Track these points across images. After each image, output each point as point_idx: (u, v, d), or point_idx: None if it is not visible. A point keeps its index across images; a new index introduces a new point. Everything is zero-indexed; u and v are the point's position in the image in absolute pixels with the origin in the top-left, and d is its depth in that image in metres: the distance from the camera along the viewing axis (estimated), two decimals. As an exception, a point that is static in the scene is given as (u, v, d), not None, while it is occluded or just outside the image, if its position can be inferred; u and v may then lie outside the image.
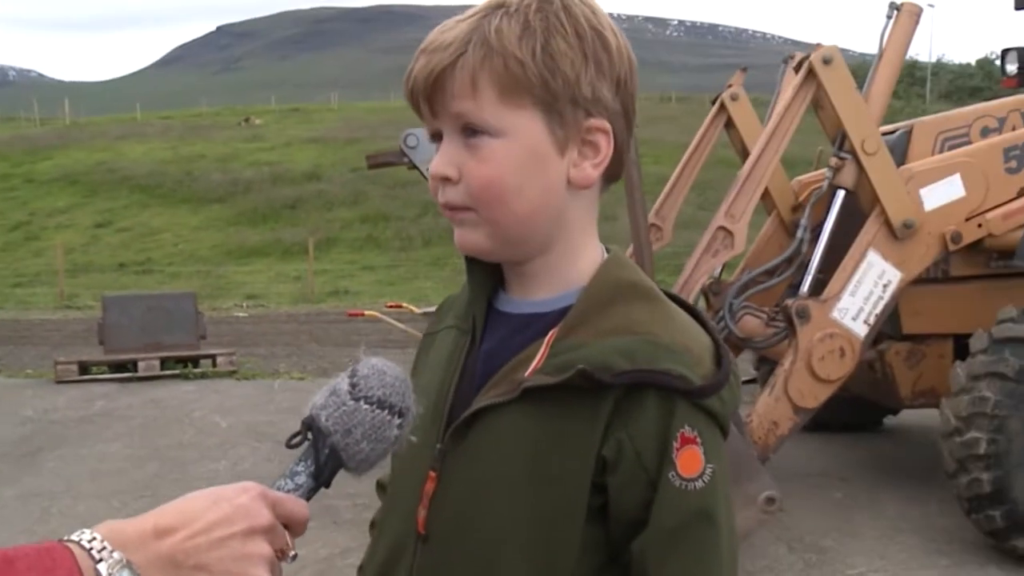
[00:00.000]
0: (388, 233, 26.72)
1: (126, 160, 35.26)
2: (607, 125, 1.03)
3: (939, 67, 55.85)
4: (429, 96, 1.01)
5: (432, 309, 9.05)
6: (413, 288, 20.62)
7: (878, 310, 4.80)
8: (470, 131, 1.00)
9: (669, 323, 1.01)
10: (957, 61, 58.67)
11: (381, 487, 1.30)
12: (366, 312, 9.44)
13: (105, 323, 9.85)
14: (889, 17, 5.11)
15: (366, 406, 0.97)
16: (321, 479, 0.98)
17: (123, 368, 9.68)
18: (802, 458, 6.11)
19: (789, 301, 4.80)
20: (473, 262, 1.12)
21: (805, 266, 5.17)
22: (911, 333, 5.37)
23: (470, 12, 1.02)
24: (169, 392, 8.88)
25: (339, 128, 41.13)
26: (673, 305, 1.05)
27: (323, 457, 0.97)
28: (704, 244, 5.01)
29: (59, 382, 9.38)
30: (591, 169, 1.03)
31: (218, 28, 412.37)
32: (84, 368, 9.68)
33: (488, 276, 1.12)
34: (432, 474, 1.06)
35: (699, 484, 0.96)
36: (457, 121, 1.00)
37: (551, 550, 0.99)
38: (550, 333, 1.02)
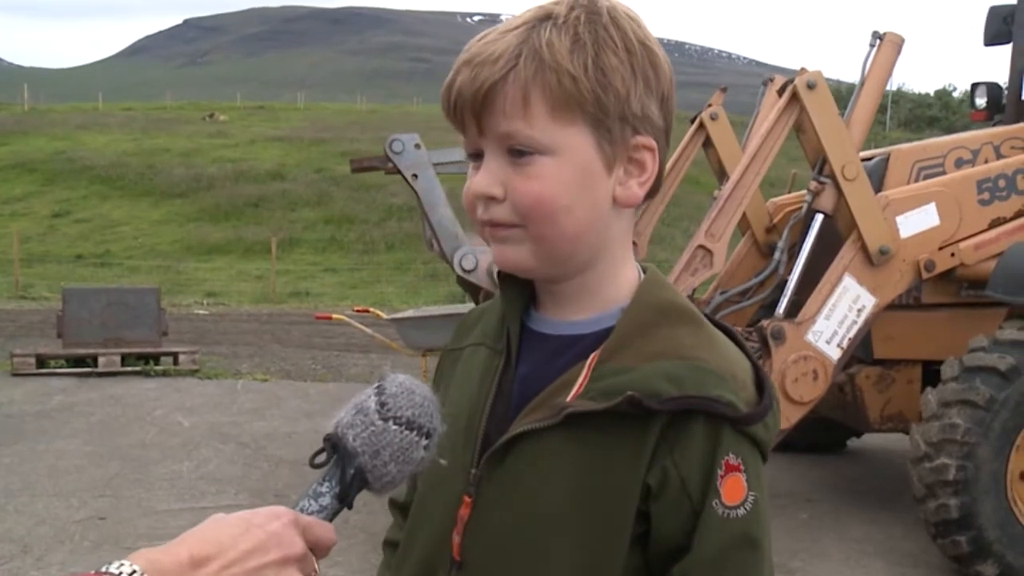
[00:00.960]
0: (352, 236, 26.58)
1: (86, 150, 34.71)
2: (653, 143, 1.01)
3: (899, 95, 56.82)
4: (478, 112, 0.97)
5: (403, 315, 9.03)
6: (375, 292, 20.52)
7: (851, 334, 4.85)
8: (518, 151, 0.97)
9: (715, 348, 1.00)
10: (917, 91, 59.63)
11: (396, 506, 1.27)
12: (334, 316, 9.38)
13: (65, 316, 9.67)
14: (872, 46, 5.18)
15: (395, 427, 0.94)
16: (346, 501, 0.95)
17: (82, 363, 9.52)
18: (767, 478, 6.14)
19: (765, 322, 4.83)
20: (506, 280, 1.10)
21: (781, 287, 5.22)
22: (882, 358, 5.44)
23: (514, 23, 0.99)
24: (129, 389, 8.74)
25: (305, 128, 40.86)
26: (715, 329, 1.04)
27: (349, 478, 0.94)
28: (683, 262, 5.03)
29: (15, 375, 9.19)
30: (637, 188, 1.01)
31: (185, 21, 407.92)
32: (42, 361, 9.49)
33: (520, 294, 1.09)
34: (467, 499, 1.03)
35: (741, 512, 0.95)
36: (505, 141, 0.97)
37: None
38: (591, 356, 1.00)
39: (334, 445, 0.95)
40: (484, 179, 0.99)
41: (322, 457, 0.95)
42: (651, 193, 1.05)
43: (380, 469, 0.94)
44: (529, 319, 1.09)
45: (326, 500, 0.94)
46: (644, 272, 1.07)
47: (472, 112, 0.98)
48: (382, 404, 0.95)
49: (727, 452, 0.95)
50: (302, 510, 0.94)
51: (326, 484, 0.94)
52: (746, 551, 0.96)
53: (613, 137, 0.99)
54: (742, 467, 0.96)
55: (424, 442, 0.95)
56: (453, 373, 1.16)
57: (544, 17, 0.98)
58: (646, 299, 1.02)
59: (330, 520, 0.95)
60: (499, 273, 1.12)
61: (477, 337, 1.14)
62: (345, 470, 0.94)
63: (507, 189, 0.98)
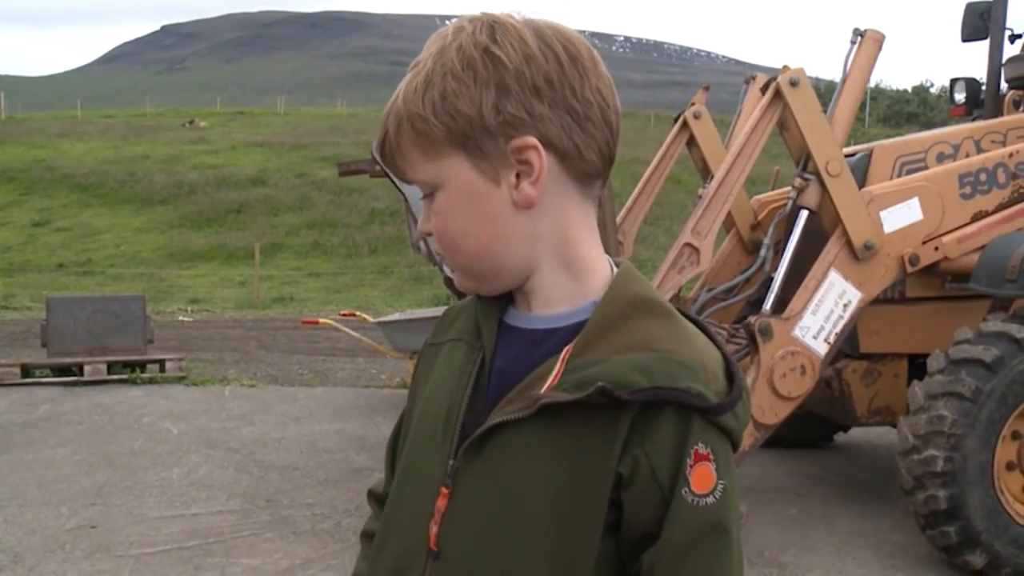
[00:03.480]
0: (334, 240, 26.54)
1: (66, 158, 34.49)
2: (532, 140, 1.01)
3: (877, 92, 57.17)
4: (389, 165, 1.10)
5: (390, 318, 9.02)
6: (359, 296, 20.48)
7: (838, 329, 4.89)
8: (426, 193, 1.07)
9: (685, 340, 1.02)
10: (894, 87, 59.96)
11: (374, 497, 1.30)
12: (321, 320, 9.38)
13: (49, 325, 9.61)
14: (853, 43, 5.23)
15: None
16: None
17: (67, 372, 9.46)
18: (756, 473, 6.20)
19: (752, 318, 4.86)
20: None
21: (767, 284, 5.25)
22: (868, 352, 5.48)
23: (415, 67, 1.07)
24: (116, 397, 8.70)
25: (285, 133, 40.75)
26: (686, 321, 1.07)
27: None
28: (670, 260, 5.06)
29: (0, 385, 9.12)
30: (529, 188, 1.02)
31: (163, 28, 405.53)
32: (27, 371, 9.43)
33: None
34: (444, 490, 1.06)
35: (710, 500, 0.98)
36: (414, 185, 1.08)
37: (568, 566, 1.00)
38: (565, 349, 1.03)
39: None
40: (422, 219, 1.10)
41: None
42: (581, 173, 1.05)
43: None
44: (508, 315, 1.12)
45: None
46: (617, 267, 1.09)
47: (391, 168, 1.10)
48: None
49: (696, 442, 0.98)
50: None
51: None
52: (715, 538, 0.98)
53: (486, 152, 1.02)
54: (711, 456, 0.98)
55: None
56: (432, 367, 1.18)
57: (413, 65, 1.05)
58: (618, 293, 1.05)
59: None
60: None
61: (456, 332, 1.16)
62: None
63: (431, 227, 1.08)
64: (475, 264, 1.06)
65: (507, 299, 1.12)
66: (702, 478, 0.98)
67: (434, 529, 1.05)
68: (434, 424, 1.10)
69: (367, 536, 1.28)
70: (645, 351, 0.99)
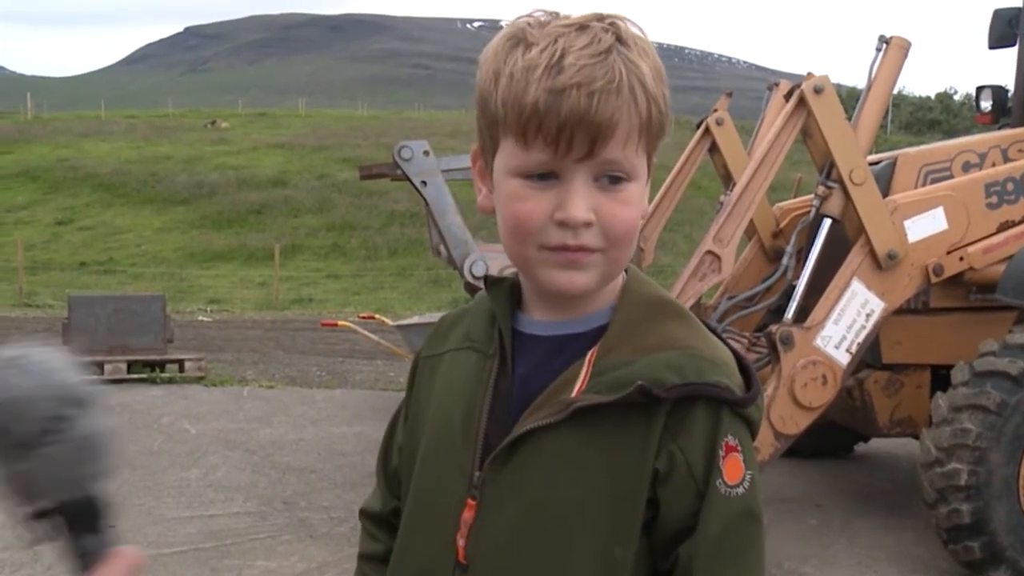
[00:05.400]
0: (354, 242, 26.57)
1: (89, 158, 34.72)
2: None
3: (900, 99, 56.83)
4: (594, 139, 0.96)
5: (409, 321, 9.01)
6: (378, 298, 20.51)
7: (860, 339, 4.84)
8: (615, 178, 0.99)
9: (705, 337, 1.04)
10: (917, 94, 59.56)
11: (368, 516, 1.26)
12: (340, 323, 9.39)
13: (70, 323, 9.68)
14: (878, 50, 5.19)
15: (46, 449, 0.77)
16: (86, 542, 0.80)
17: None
18: (776, 483, 6.15)
19: (773, 327, 4.83)
20: (493, 285, 1.12)
21: (788, 292, 5.21)
22: (890, 362, 5.42)
23: (587, 40, 0.97)
24: (136, 396, 8.74)
25: (306, 135, 40.87)
26: (697, 320, 1.08)
27: (59, 524, 0.80)
28: (692, 268, 5.03)
29: (21, 383, 9.18)
30: (646, 203, 1.07)
31: (186, 29, 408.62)
32: (47, 369, 9.48)
33: (508, 299, 1.11)
34: (471, 502, 1.04)
35: (740, 490, 1.00)
36: (606, 167, 0.98)
37: (610, 567, 1.00)
38: (590, 353, 1.03)
39: (33, 517, 0.79)
40: (583, 205, 0.98)
41: (34, 533, 0.81)
42: None
43: (75, 483, 0.78)
44: (517, 322, 1.10)
45: (74, 563, 0.81)
46: (625, 271, 1.09)
47: (588, 138, 0.96)
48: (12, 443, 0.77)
49: (726, 434, 1.00)
50: None
51: (62, 546, 0.82)
52: (748, 525, 1.01)
53: (651, 160, 1.04)
54: (739, 447, 1.01)
55: (78, 413, 0.78)
56: (433, 379, 1.16)
57: (617, 38, 0.98)
58: (635, 296, 1.06)
59: (96, 562, 0.81)
60: (487, 278, 1.15)
61: (459, 341, 1.14)
62: (50, 523, 0.80)
63: (598, 215, 0.99)
64: (623, 265, 1.05)
65: (515, 305, 1.11)
66: (733, 469, 1.00)
67: (461, 542, 1.04)
68: (450, 436, 1.08)
69: (365, 559, 1.25)
70: (671, 350, 1.00)
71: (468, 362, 1.11)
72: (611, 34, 0.98)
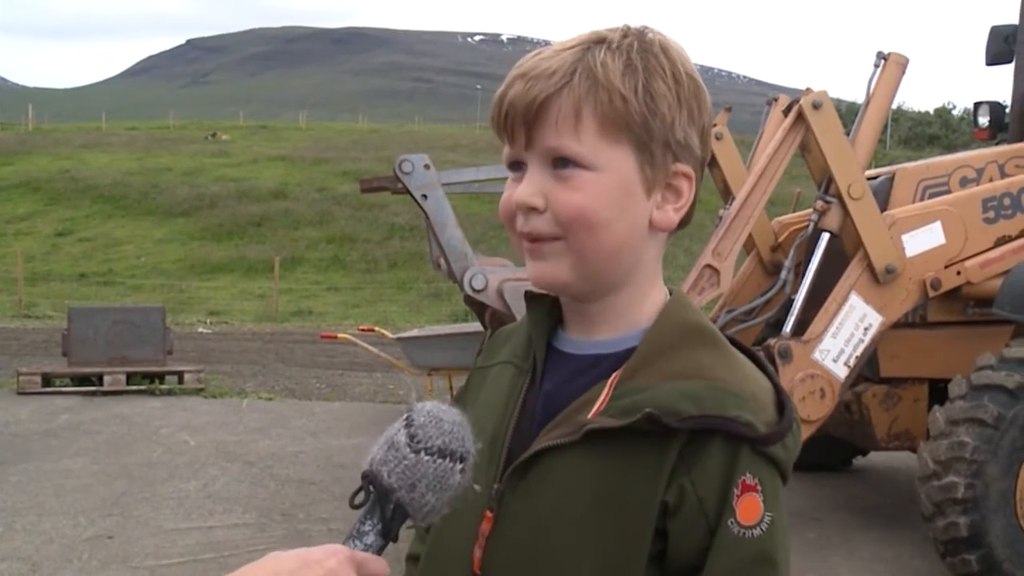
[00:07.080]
0: (354, 255, 26.59)
1: (90, 169, 34.79)
2: (691, 172, 1.04)
3: (899, 113, 56.91)
4: (529, 124, 0.99)
5: (408, 335, 9.02)
6: (378, 311, 20.51)
7: (858, 352, 4.86)
8: (562, 163, 0.99)
9: (736, 369, 1.01)
10: (916, 108, 59.66)
11: (412, 560, 1.26)
12: (340, 335, 9.39)
13: (70, 335, 9.69)
14: (876, 66, 5.22)
15: (427, 457, 0.94)
16: (390, 536, 0.96)
17: (87, 381, 9.52)
18: (775, 496, 6.15)
19: (771, 341, 4.84)
20: (533, 300, 1.12)
21: (787, 306, 5.23)
22: (888, 376, 5.44)
23: (569, 43, 1.02)
24: (135, 408, 8.74)
25: (307, 147, 40.95)
26: (736, 351, 1.05)
27: (389, 514, 0.95)
28: (691, 281, 5.04)
29: (21, 393, 9.19)
30: (673, 213, 1.04)
31: (188, 41, 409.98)
32: (47, 380, 9.49)
33: (548, 314, 1.11)
34: (489, 514, 1.05)
35: (756, 532, 0.96)
36: (551, 153, 0.99)
37: None
38: (613, 375, 1.02)
39: (371, 483, 0.95)
40: (527, 189, 1.00)
41: (360, 496, 0.96)
42: (684, 222, 1.07)
43: (419, 501, 0.94)
44: (556, 339, 1.11)
45: (370, 539, 0.95)
46: (670, 294, 1.09)
47: (523, 123, 1.00)
48: (412, 436, 0.95)
49: (744, 472, 0.96)
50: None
51: (368, 523, 0.95)
52: (761, 569, 0.96)
53: (655, 161, 1.01)
54: (759, 487, 0.96)
55: (459, 467, 0.96)
56: (480, 391, 1.17)
57: (598, 40, 1.01)
58: (669, 320, 1.04)
59: (379, 554, 0.96)
60: (527, 293, 1.14)
61: (505, 356, 1.16)
62: (384, 507, 0.95)
63: (548, 200, 1.00)
64: (597, 259, 1.01)
65: (555, 322, 1.11)
66: (749, 509, 0.96)
67: (478, 553, 1.05)
68: (481, 448, 1.10)
69: (412, 559, 1.26)
70: (694, 379, 0.98)
71: (506, 376, 1.12)
72: (605, 38, 1.01)
